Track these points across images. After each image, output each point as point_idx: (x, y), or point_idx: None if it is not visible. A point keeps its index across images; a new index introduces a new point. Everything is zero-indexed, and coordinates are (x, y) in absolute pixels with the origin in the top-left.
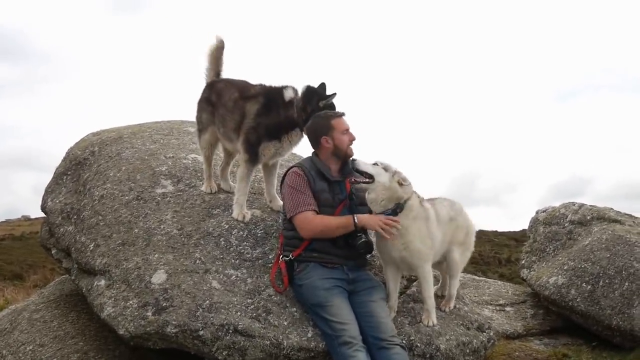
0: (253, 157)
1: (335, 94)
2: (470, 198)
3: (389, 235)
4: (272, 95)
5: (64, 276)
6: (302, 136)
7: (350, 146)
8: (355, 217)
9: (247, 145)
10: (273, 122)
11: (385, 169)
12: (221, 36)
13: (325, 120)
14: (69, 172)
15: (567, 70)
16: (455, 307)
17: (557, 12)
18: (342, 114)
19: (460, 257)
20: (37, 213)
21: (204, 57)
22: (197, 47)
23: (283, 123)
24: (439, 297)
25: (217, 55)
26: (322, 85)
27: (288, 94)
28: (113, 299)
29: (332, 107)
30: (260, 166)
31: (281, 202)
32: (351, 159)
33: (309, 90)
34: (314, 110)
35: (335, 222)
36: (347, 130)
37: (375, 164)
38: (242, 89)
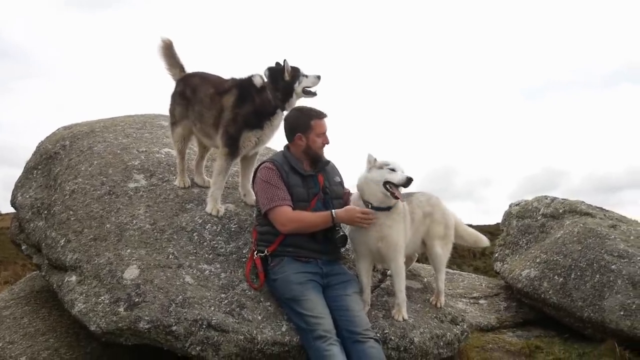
0: (233, 150)
1: (285, 59)
2: (447, 193)
3: (367, 226)
4: (244, 85)
5: (34, 272)
6: (283, 117)
7: (323, 149)
8: (334, 213)
9: (227, 138)
10: (251, 110)
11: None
12: (166, 36)
13: (306, 117)
14: (39, 167)
15: (532, 69)
16: (429, 300)
17: (519, 14)
18: (324, 116)
19: (443, 251)
20: (7, 208)
21: (159, 58)
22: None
23: (261, 109)
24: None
25: (169, 53)
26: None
27: (257, 80)
28: (84, 294)
29: (297, 71)
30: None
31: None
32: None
33: (271, 70)
34: (285, 85)
35: (312, 218)
36: (324, 133)
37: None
38: (217, 84)
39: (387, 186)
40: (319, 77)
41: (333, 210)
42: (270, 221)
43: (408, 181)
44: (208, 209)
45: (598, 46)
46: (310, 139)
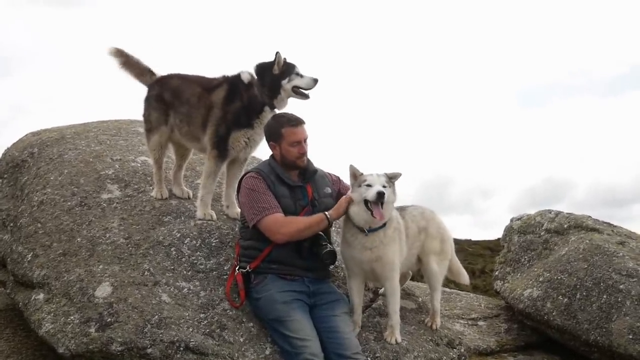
0: (222, 152)
1: (277, 52)
2: (443, 204)
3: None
4: (234, 82)
5: None
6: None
7: (301, 159)
8: (328, 214)
9: (216, 139)
10: (239, 107)
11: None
12: (113, 46)
13: (277, 125)
14: (5, 176)
15: (529, 72)
16: (424, 321)
17: (514, 14)
18: (298, 123)
19: (439, 267)
20: None
21: (121, 70)
22: (144, 44)
23: (249, 106)
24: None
25: (127, 61)
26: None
27: (245, 77)
28: (52, 314)
29: (290, 67)
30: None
31: (239, 210)
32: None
33: (259, 66)
34: (272, 80)
35: (307, 222)
36: (299, 142)
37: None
38: (204, 82)
39: (368, 205)
40: (315, 80)
41: (326, 212)
42: (261, 232)
43: (378, 196)
44: (199, 214)
45: (600, 49)
46: (284, 148)
